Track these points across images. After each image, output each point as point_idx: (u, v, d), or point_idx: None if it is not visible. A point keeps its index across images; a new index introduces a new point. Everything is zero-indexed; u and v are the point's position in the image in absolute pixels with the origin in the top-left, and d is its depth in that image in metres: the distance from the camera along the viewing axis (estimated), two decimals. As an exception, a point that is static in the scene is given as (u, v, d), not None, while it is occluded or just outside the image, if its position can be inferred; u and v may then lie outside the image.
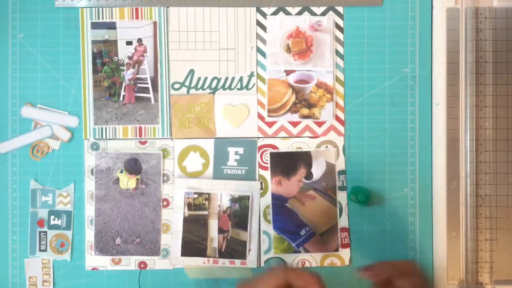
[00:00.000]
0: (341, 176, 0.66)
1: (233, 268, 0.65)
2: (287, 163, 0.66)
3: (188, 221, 0.65)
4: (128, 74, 0.66)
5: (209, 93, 0.66)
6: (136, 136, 0.66)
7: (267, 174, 0.66)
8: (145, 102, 0.66)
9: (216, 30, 0.66)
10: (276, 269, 0.52)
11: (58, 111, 0.66)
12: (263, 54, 0.66)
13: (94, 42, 0.66)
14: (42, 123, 0.66)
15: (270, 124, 0.66)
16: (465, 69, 0.65)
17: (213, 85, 0.66)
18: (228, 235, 0.65)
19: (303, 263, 0.66)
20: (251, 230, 0.65)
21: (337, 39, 0.66)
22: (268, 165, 0.66)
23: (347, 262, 0.66)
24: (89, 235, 0.66)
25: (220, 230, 0.65)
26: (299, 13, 0.66)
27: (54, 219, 0.66)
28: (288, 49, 0.66)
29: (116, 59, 0.66)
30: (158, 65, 0.66)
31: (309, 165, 0.66)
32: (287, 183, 0.66)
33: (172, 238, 0.65)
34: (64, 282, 0.66)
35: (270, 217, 0.66)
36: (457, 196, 0.65)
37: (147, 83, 0.66)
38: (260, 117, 0.66)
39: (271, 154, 0.66)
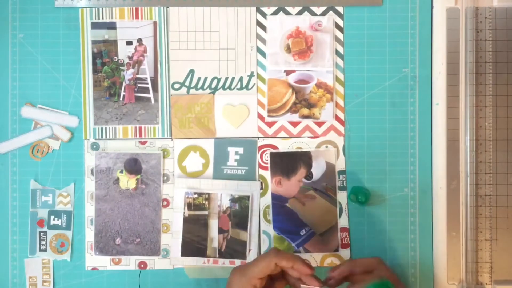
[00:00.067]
0: (341, 176, 0.66)
1: (233, 268, 0.65)
2: (287, 163, 0.66)
3: (188, 221, 0.65)
4: (128, 74, 0.66)
5: (209, 93, 0.66)
6: (136, 136, 0.66)
7: (267, 174, 0.66)
8: (145, 102, 0.66)
9: (216, 30, 0.66)
10: (269, 254, 0.53)
11: (58, 111, 0.66)
12: (263, 54, 0.66)
13: (94, 42, 0.66)
14: (42, 123, 0.66)
15: (270, 124, 0.66)
16: (465, 69, 0.65)
17: (213, 85, 0.66)
18: (228, 235, 0.65)
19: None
20: (251, 230, 0.65)
21: (337, 39, 0.66)
22: (268, 165, 0.66)
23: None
24: (89, 235, 0.66)
25: (220, 230, 0.65)
26: (299, 13, 0.66)
27: (54, 219, 0.66)
28: (288, 49, 0.66)
29: (116, 59, 0.66)
30: (158, 65, 0.66)
31: (309, 165, 0.66)
32: (287, 183, 0.66)
33: (172, 238, 0.65)
34: (64, 282, 0.66)
35: (270, 217, 0.66)
36: (457, 196, 0.65)
37: (147, 83, 0.66)
38: (260, 117, 0.66)
39: (271, 154, 0.66)
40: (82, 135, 0.66)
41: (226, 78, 0.66)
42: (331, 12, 0.66)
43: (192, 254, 0.65)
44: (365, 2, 0.66)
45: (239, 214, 0.65)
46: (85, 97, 0.66)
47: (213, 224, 0.65)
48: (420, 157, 0.66)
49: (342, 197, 0.66)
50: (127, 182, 0.65)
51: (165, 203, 0.66)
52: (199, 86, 0.66)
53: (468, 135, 0.65)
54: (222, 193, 0.65)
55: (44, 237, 0.65)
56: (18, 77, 0.66)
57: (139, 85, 0.66)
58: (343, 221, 0.66)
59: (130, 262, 0.66)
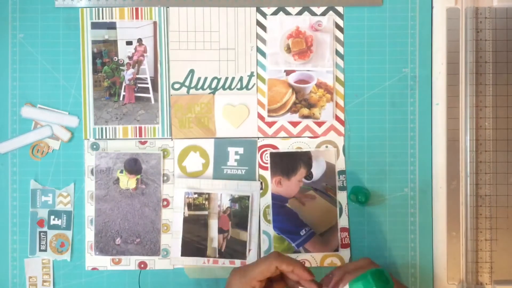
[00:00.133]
0: (341, 176, 0.66)
1: (233, 268, 0.65)
2: (287, 163, 0.66)
3: (188, 221, 0.65)
4: (128, 74, 0.66)
5: (209, 93, 0.66)
6: (136, 136, 0.66)
7: (267, 174, 0.66)
8: (145, 102, 0.66)
9: (216, 30, 0.66)
10: (270, 256, 0.53)
11: (58, 111, 0.66)
12: (263, 54, 0.66)
13: (94, 42, 0.66)
14: (42, 123, 0.66)
15: (270, 124, 0.66)
16: (465, 69, 0.65)
17: (213, 85, 0.66)
18: (228, 235, 0.65)
19: (303, 263, 0.66)
20: (251, 230, 0.65)
21: (337, 39, 0.66)
22: (268, 165, 0.66)
23: (347, 262, 0.66)
24: (89, 235, 0.66)
25: (220, 230, 0.65)
26: (299, 13, 0.66)
27: (54, 219, 0.66)
28: (288, 49, 0.66)
29: (116, 59, 0.66)
30: (158, 65, 0.66)
31: (309, 165, 0.66)
32: (287, 183, 0.66)
33: (172, 238, 0.65)
34: (64, 282, 0.66)
35: (270, 217, 0.66)
36: (457, 196, 0.65)
37: (147, 83, 0.66)
38: (260, 117, 0.66)
39: (271, 154, 0.66)
40: (82, 135, 0.66)
41: (226, 78, 0.66)
42: (331, 12, 0.66)
43: (192, 254, 0.65)
44: (365, 2, 0.66)
45: (239, 214, 0.65)
46: (85, 97, 0.66)
47: (213, 224, 0.65)
48: (420, 157, 0.66)
49: (342, 197, 0.66)
50: (127, 182, 0.65)
51: (165, 203, 0.66)
52: (199, 86, 0.66)
53: (468, 135, 0.65)
54: (222, 193, 0.65)
55: (44, 237, 0.65)
56: (18, 77, 0.66)
57: (139, 85, 0.66)
58: (343, 221, 0.66)
59: (130, 262, 0.66)
